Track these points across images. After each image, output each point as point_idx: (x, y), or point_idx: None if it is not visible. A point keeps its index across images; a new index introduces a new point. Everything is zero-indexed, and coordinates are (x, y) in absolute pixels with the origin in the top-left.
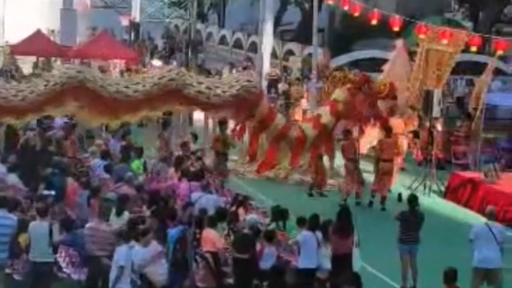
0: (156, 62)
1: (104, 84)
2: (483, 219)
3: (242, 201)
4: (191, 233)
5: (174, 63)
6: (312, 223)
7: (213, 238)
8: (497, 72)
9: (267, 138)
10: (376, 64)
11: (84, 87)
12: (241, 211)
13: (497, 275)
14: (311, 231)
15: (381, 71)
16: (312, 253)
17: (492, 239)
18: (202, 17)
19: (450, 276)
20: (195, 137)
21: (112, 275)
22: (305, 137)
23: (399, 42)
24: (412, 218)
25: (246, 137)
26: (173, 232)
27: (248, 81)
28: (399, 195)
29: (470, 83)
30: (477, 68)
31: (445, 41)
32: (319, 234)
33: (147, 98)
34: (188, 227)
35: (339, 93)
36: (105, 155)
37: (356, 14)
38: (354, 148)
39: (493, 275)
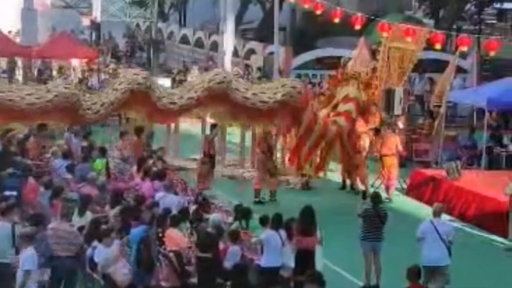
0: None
1: (161, 95)
2: (445, 216)
3: (201, 203)
4: (154, 232)
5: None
6: (275, 221)
7: (176, 238)
8: (457, 69)
9: (309, 141)
10: (338, 63)
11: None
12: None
13: (443, 272)
14: (274, 229)
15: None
16: (275, 251)
17: (437, 236)
18: (163, 16)
19: (414, 273)
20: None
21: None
22: (342, 130)
23: (361, 40)
24: (375, 216)
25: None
26: (135, 232)
27: (293, 86)
28: (364, 192)
29: (431, 81)
30: (437, 66)
31: (408, 39)
32: (282, 232)
33: (198, 102)
34: (151, 227)
35: (352, 90)
36: (67, 155)
37: (318, 12)
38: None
39: (440, 272)
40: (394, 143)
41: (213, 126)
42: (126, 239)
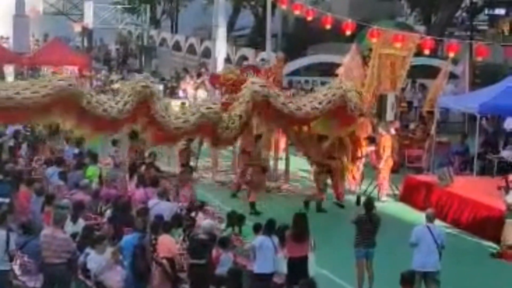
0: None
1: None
2: (437, 222)
3: (200, 206)
4: (148, 239)
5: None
6: (268, 227)
7: (169, 244)
8: (449, 75)
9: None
10: (330, 69)
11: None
12: (200, 215)
13: (435, 277)
14: (267, 235)
15: (336, 75)
16: (268, 257)
17: (432, 241)
18: (155, 23)
19: (407, 278)
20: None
21: None
22: None
23: (353, 47)
24: (368, 222)
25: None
26: (129, 238)
27: (341, 95)
28: (358, 198)
29: (422, 87)
30: (429, 72)
31: (398, 45)
32: (275, 238)
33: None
34: (144, 234)
35: None
36: (59, 162)
37: (310, 18)
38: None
39: (432, 278)
40: (388, 144)
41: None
42: (118, 246)
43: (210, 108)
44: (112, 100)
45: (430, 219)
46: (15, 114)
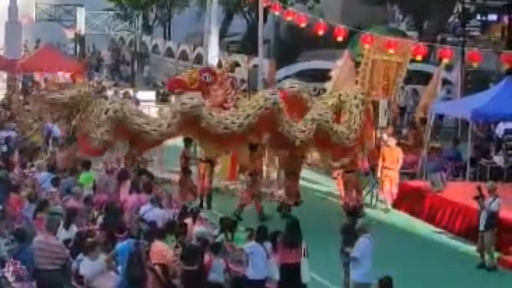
0: None
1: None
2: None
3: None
4: (144, 246)
5: None
6: (260, 234)
7: (162, 251)
8: (442, 81)
9: None
10: (322, 75)
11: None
12: (191, 221)
13: None
14: (259, 242)
15: (329, 78)
16: (261, 264)
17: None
18: (147, 29)
19: (385, 284)
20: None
21: None
22: None
23: (346, 52)
24: (352, 231)
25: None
26: (125, 244)
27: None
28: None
29: (415, 92)
30: (421, 78)
31: (391, 51)
32: (267, 244)
33: None
34: (139, 240)
35: None
36: (52, 168)
37: (302, 25)
38: None
39: None
40: (396, 156)
41: (188, 140)
42: (115, 252)
43: (322, 115)
44: (233, 116)
45: (342, 232)
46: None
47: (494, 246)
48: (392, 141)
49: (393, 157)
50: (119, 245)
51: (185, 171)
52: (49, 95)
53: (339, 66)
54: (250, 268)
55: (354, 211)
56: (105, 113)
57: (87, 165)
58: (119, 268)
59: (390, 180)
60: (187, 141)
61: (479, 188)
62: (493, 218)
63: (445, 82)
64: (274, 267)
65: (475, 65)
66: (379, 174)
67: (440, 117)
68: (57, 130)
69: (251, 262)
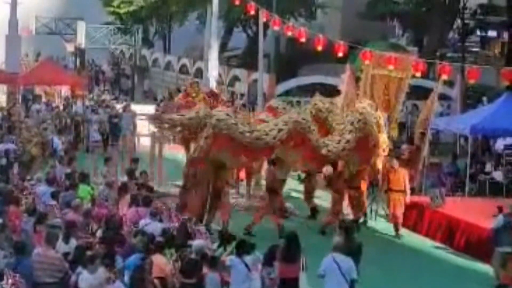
0: None
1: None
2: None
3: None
4: (149, 261)
5: None
6: (238, 248)
7: (161, 264)
8: (443, 97)
9: None
10: (321, 90)
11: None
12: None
13: None
14: (237, 256)
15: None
16: (241, 277)
17: (340, 274)
18: (147, 43)
19: None
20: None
21: None
22: None
23: (347, 66)
24: (346, 250)
25: None
26: (132, 259)
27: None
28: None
29: (416, 108)
30: (421, 93)
31: (390, 67)
32: (248, 258)
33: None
34: (145, 255)
35: None
36: (51, 181)
37: (302, 40)
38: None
39: None
40: (402, 177)
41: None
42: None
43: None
44: (267, 127)
45: (337, 249)
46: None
47: None
48: (396, 163)
49: (398, 179)
50: (128, 260)
51: (273, 191)
52: (167, 116)
53: (346, 81)
54: (231, 282)
55: (350, 228)
56: (210, 117)
57: (85, 178)
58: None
59: (394, 203)
60: (273, 161)
61: (500, 208)
62: None
63: (445, 98)
64: (256, 281)
65: (472, 81)
66: (382, 195)
67: (438, 132)
68: (58, 143)
69: (232, 276)
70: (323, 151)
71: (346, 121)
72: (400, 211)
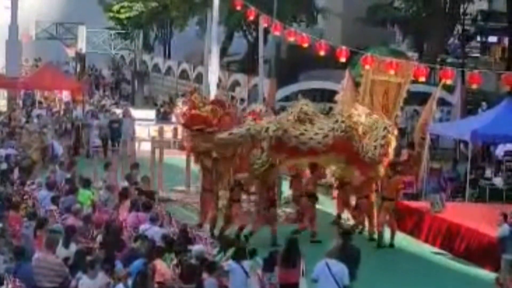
0: None
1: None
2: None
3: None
4: (151, 267)
5: None
6: (237, 254)
7: (161, 269)
8: (443, 103)
9: None
10: (321, 95)
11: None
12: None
13: None
14: (236, 262)
15: (329, 101)
16: (239, 283)
17: (331, 279)
18: (148, 48)
19: None
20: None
21: None
22: None
23: (347, 73)
24: (343, 256)
25: None
26: (137, 263)
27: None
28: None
29: (416, 113)
30: (423, 99)
31: (391, 72)
32: (246, 264)
33: None
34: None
35: None
36: (51, 186)
37: (305, 45)
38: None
39: None
40: (397, 185)
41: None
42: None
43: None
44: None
45: (330, 254)
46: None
47: None
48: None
49: (391, 187)
50: (134, 264)
51: (312, 196)
52: (219, 136)
53: (343, 88)
54: (229, 287)
55: (346, 233)
56: (265, 131)
57: (86, 183)
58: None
59: (386, 210)
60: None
61: (504, 216)
62: None
63: (445, 103)
64: (255, 286)
65: (474, 86)
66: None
67: (437, 137)
68: (58, 147)
69: (230, 281)
70: (367, 157)
71: (378, 126)
72: (393, 219)
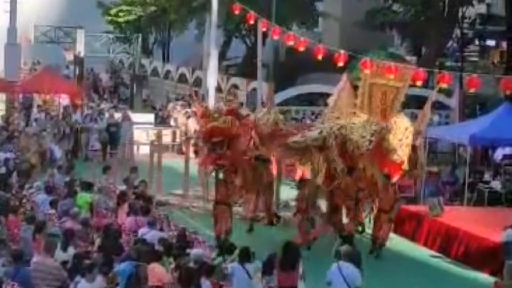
0: None
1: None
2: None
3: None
4: (143, 269)
5: None
6: (241, 255)
7: (159, 273)
8: (441, 107)
9: None
10: (320, 99)
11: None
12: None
13: None
14: (240, 263)
15: (326, 104)
16: (242, 285)
17: (343, 282)
18: (146, 52)
19: None
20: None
21: None
22: None
23: (344, 76)
24: (353, 258)
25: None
26: (125, 265)
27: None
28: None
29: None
30: (421, 102)
31: (391, 76)
32: (249, 266)
33: None
34: (140, 263)
35: None
36: (50, 190)
37: (302, 49)
38: None
39: None
40: (391, 197)
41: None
42: (114, 274)
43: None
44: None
45: (340, 256)
46: None
47: None
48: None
49: (389, 198)
50: (122, 265)
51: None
52: (293, 139)
53: (336, 92)
54: None
55: (348, 237)
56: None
57: (87, 187)
58: None
59: (381, 222)
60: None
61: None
62: None
63: (444, 107)
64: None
65: (471, 90)
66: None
67: (436, 141)
68: (57, 151)
69: (233, 283)
70: (394, 157)
71: (403, 128)
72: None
